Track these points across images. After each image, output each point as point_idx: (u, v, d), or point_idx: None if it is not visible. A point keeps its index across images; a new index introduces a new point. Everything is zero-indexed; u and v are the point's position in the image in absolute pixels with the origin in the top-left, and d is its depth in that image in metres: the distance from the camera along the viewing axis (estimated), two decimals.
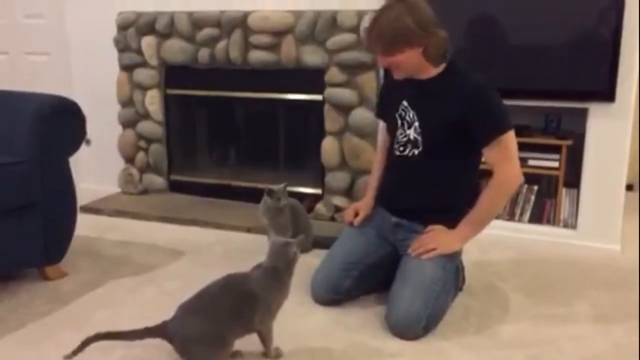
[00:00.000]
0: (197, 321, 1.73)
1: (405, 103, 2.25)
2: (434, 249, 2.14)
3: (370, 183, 2.50)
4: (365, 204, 2.45)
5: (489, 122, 2.10)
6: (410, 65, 2.14)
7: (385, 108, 2.39)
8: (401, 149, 2.26)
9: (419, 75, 2.19)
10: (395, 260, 2.25)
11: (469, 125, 2.09)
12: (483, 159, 2.22)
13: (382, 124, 2.58)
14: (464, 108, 2.08)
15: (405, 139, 2.24)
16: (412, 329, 2.03)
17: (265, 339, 1.85)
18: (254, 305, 1.77)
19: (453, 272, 2.23)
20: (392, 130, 2.32)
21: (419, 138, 2.20)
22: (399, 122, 2.26)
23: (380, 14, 2.12)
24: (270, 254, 1.84)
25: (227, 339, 1.76)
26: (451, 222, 2.19)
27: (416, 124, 2.20)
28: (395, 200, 2.32)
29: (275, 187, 2.72)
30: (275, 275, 1.82)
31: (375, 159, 2.57)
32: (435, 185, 2.21)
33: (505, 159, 2.11)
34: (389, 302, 2.12)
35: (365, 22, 2.90)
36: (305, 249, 2.75)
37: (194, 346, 1.72)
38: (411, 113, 2.22)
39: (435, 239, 2.16)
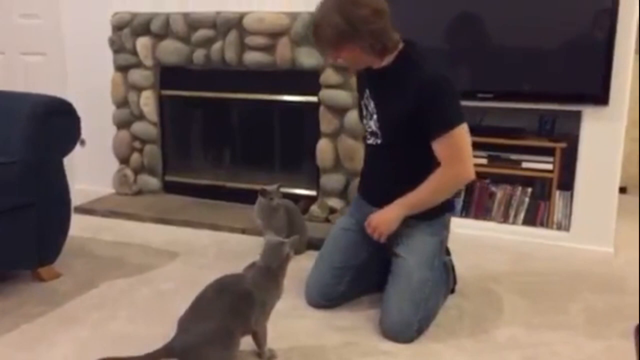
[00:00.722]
0: (202, 325, 1.71)
1: (368, 92, 2.20)
2: (381, 233, 2.13)
3: None
4: None
5: (436, 116, 2.02)
6: (354, 61, 2.11)
7: (359, 93, 2.34)
8: (369, 137, 2.23)
9: (372, 66, 2.14)
10: (385, 256, 2.24)
11: (420, 119, 2.02)
12: None
13: None
14: (416, 102, 2.01)
15: (370, 130, 2.21)
16: (405, 333, 2.03)
17: (260, 339, 1.85)
18: (251, 304, 1.77)
19: (441, 268, 2.22)
20: (361, 117, 2.29)
21: (378, 131, 2.17)
22: (364, 111, 2.23)
23: (316, 11, 2.06)
24: (264, 253, 1.84)
25: (235, 335, 1.75)
26: (427, 210, 2.14)
27: (375, 116, 2.16)
28: (371, 190, 2.30)
29: (268, 187, 2.73)
30: (269, 275, 1.82)
31: None
32: (404, 175, 2.13)
33: (453, 157, 2.04)
34: (382, 307, 2.12)
35: None
36: (299, 251, 2.76)
37: (207, 348, 1.70)
38: (372, 104, 2.18)
39: (376, 228, 2.13)
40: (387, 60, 2.11)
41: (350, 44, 2.02)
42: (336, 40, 2.02)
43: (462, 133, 2.04)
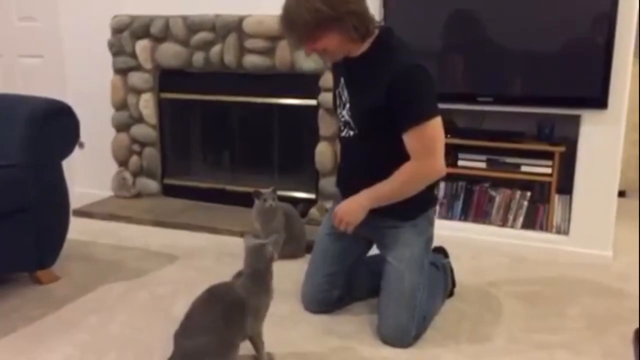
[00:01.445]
0: (197, 339, 1.70)
1: (342, 80, 2.12)
2: (348, 224, 2.06)
3: None
4: None
5: (408, 108, 1.93)
6: (335, 48, 1.99)
7: (334, 82, 2.25)
8: (342, 129, 2.16)
9: (350, 54, 2.05)
10: (376, 259, 2.23)
11: (392, 110, 1.94)
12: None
13: None
14: (388, 91, 1.92)
15: (343, 120, 2.14)
16: (402, 339, 2.02)
17: (257, 344, 1.84)
18: (244, 312, 1.76)
19: (438, 266, 2.21)
20: (335, 107, 2.21)
21: (350, 120, 2.09)
22: (338, 100, 2.16)
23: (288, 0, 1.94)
24: (248, 258, 1.83)
25: (232, 344, 1.74)
26: (402, 205, 2.05)
27: (348, 105, 2.10)
28: (346, 186, 2.22)
29: (263, 190, 2.73)
30: (257, 279, 1.81)
31: None
32: (379, 169, 2.03)
33: (425, 151, 1.96)
34: (378, 315, 2.11)
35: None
36: (298, 255, 2.76)
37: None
38: (345, 93, 2.10)
39: (343, 218, 2.06)
40: (364, 46, 2.03)
41: (332, 28, 1.92)
42: (317, 26, 1.90)
43: (435, 126, 1.95)
